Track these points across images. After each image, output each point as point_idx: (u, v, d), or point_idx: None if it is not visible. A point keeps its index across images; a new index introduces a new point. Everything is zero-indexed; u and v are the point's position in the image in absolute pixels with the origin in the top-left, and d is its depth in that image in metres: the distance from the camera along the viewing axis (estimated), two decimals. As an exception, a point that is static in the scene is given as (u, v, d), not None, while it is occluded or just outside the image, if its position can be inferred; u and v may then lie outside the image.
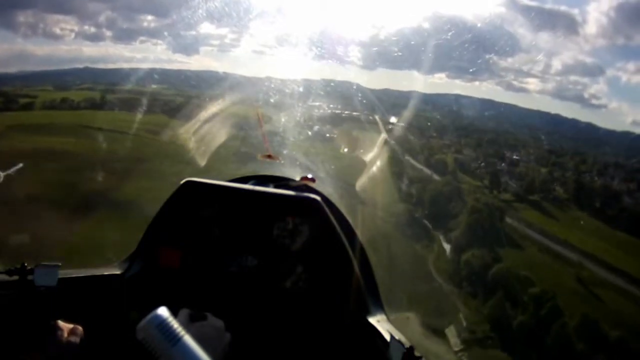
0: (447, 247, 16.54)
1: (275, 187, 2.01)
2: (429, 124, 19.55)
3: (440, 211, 17.66)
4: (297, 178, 2.08)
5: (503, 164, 20.15)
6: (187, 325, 1.11)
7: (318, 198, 1.90)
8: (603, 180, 18.71)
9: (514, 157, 20.27)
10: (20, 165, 1.85)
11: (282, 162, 2.29)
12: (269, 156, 2.20)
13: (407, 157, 17.75)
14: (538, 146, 20.50)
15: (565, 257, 16.19)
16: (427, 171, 19.29)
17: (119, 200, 10.19)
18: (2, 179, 1.78)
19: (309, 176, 2.05)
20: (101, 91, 18.59)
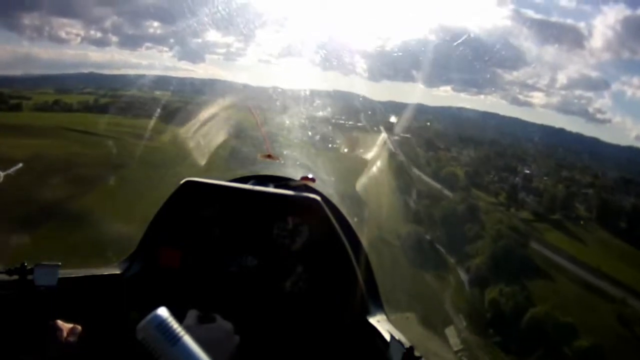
0: (464, 277, 13.78)
1: (275, 187, 2.01)
2: (435, 135, 18.67)
3: (455, 233, 15.25)
4: (297, 178, 2.08)
5: (517, 179, 18.51)
6: (196, 327, 1.11)
7: (318, 198, 1.90)
8: (620, 197, 17.22)
9: (526, 171, 18.77)
10: (20, 165, 1.84)
11: (282, 162, 2.29)
12: (269, 156, 2.20)
13: (415, 170, 16.24)
14: (545, 159, 19.56)
15: (602, 289, 13.66)
16: (436, 185, 17.31)
17: (72, 211, 8.69)
18: (2, 179, 1.78)
19: (309, 176, 2.04)
20: (96, 95, 17.93)
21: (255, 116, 2.35)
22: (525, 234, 15.70)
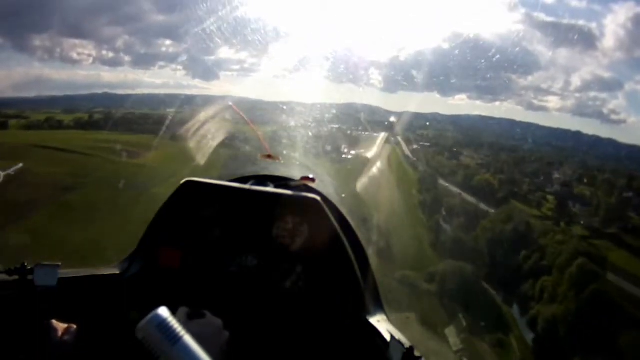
0: (528, 336, 9.53)
1: (275, 187, 2.01)
2: (454, 143, 16.88)
3: (508, 266, 11.26)
4: (297, 178, 2.08)
5: (555, 186, 15.36)
6: (185, 323, 1.12)
7: (318, 198, 1.90)
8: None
9: (556, 176, 15.82)
10: (20, 165, 1.85)
11: (282, 162, 2.28)
12: (269, 156, 2.19)
13: (441, 181, 14.07)
14: (570, 164, 17.85)
15: None
16: (469, 198, 13.97)
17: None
18: (2, 179, 1.78)
19: (310, 176, 2.04)
20: (89, 112, 16.16)
21: (241, 114, 2.32)
22: (601, 264, 10.99)
